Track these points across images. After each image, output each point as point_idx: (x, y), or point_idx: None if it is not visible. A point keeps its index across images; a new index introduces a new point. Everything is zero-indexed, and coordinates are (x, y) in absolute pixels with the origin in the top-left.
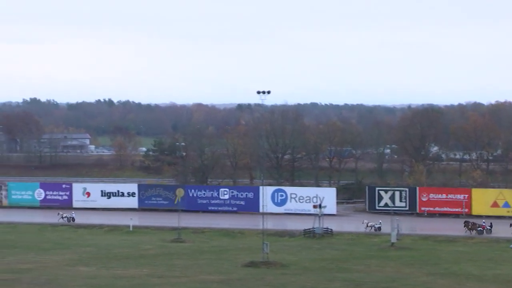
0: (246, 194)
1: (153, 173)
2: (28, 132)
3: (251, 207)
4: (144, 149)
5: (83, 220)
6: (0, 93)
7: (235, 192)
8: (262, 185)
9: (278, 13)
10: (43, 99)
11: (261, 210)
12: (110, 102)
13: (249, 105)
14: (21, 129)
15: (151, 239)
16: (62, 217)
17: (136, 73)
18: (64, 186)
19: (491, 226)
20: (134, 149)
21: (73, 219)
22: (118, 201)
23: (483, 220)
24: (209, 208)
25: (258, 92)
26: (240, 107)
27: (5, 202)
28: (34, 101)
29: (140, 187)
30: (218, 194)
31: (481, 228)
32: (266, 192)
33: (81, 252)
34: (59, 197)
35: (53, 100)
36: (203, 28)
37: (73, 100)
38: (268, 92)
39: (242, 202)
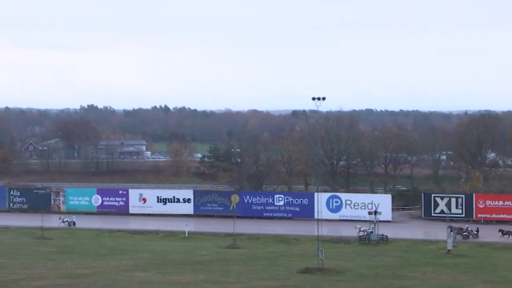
0: (301, 201)
1: (208, 179)
2: (86, 138)
3: (306, 213)
4: (199, 155)
5: (139, 226)
6: (58, 100)
7: (290, 199)
8: (317, 191)
9: (333, 20)
10: (100, 106)
11: (316, 217)
12: (166, 109)
13: (304, 111)
14: (79, 135)
15: (207, 245)
16: (63, 221)
17: (192, 80)
18: (120, 192)
19: (477, 231)
20: (190, 156)
21: (74, 223)
22: (174, 207)
23: (466, 225)
24: (264, 214)
25: (313, 99)
26: (295, 113)
27: (62, 208)
28: (92, 107)
29: (195, 193)
30: (273, 200)
31: (467, 233)
32: (321, 199)
33: (137, 258)
34: (116, 203)
35: (110, 106)
36: (259, 34)
37: (130, 106)
38: (323, 99)
39: (297, 209)
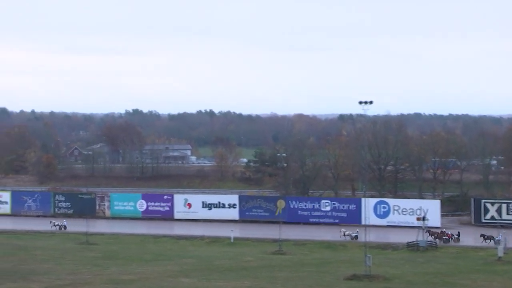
0: (348, 206)
1: (254, 184)
2: (130, 143)
3: (353, 219)
4: (245, 160)
5: (184, 231)
6: (103, 105)
7: (336, 204)
8: (364, 196)
9: (381, 22)
10: (145, 110)
11: (363, 222)
12: (211, 113)
13: (351, 115)
14: (124, 140)
15: (252, 251)
16: (54, 225)
17: (238, 84)
18: (165, 197)
19: (458, 235)
20: (235, 160)
21: (65, 227)
22: (219, 213)
23: (443, 229)
24: (310, 220)
25: (360, 102)
26: (341, 117)
27: (107, 213)
28: (136, 112)
29: (241, 198)
30: (320, 206)
31: (447, 237)
32: (368, 204)
33: (183, 264)
34: (161, 208)
35: (155, 111)
36: (304, 38)
37: (175, 110)
38: (371, 102)
39: (344, 214)
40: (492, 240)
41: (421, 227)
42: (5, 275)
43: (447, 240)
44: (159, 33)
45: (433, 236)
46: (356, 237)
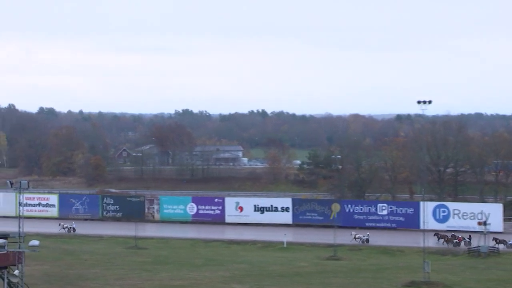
0: (406, 210)
1: (307, 187)
2: (180, 144)
3: (411, 223)
4: (298, 161)
5: (236, 236)
6: (152, 105)
7: (394, 208)
8: (423, 200)
9: (439, 21)
10: (195, 111)
11: (421, 227)
12: (263, 113)
13: (408, 115)
14: (173, 141)
15: (306, 256)
16: (63, 227)
17: (291, 83)
18: (216, 200)
19: (470, 238)
20: (288, 162)
21: (74, 230)
22: (272, 216)
23: (452, 233)
24: (366, 224)
25: (419, 102)
26: (399, 117)
27: (157, 216)
28: (187, 112)
29: (294, 201)
30: (376, 210)
31: (458, 240)
32: (427, 208)
33: (234, 269)
34: (211, 212)
35: (206, 111)
36: (359, 36)
37: (226, 111)
38: (429, 102)
39: (402, 218)
40: (504, 244)
41: (482, 232)
42: (53, 280)
43: (458, 244)
44: (211, 32)
45: (443, 240)
46: (367, 240)
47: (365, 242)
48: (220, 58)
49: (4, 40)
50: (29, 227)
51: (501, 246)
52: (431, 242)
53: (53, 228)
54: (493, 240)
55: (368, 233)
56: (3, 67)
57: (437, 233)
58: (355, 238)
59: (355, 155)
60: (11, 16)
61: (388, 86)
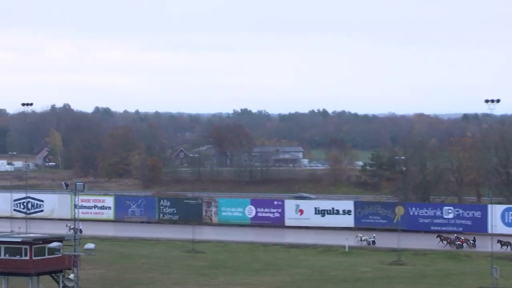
0: (473, 213)
1: (370, 189)
2: (239, 145)
3: (478, 227)
4: (360, 163)
5: (296, 239)
6: (210, 104)
7: (460, 211)
8: (491, 203)
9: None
10: (254, 110)
11: (489, 231)
12: (324, 113)
13: (476, 115)
14: (232, 142)
15: (368, 261)
16: (70, 229)
17: (352, 82)
18: (276, 202)
19: (474, 240)
20: (350, 163)
21: (81, 231)
22: (333, 220)
23: (455, 234)
24: (431, 228)
25: (486, 101)
26: (466, 117)
27: (215, 219)
28: (245, 112)
29: (356, 204)
30: (442, 213)
31: (460, 242)
32: (495, 211)
33: (294, 274)
34: (271, 215)
35: (265, 110)
36: (424, 32)
37: (286, 110)
38: (498, 101)
39: (468, 222)
40: (508, 247)
41: None
42: (108, 284)
43: (460, 246)
44: (271, 29)
45: (446, 241)
46: (373, 242)
47: (371, 244)
48: (280, 56)
49: (60, 38)
50: (84, 230)
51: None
52: (434, 244)
53: (110, 231)
54: (498, 242)
55: (374, 234)
56: (58, 66)
57: (439, 235)
58: (361, 240)
59: (420, 156)
60: (67, 13)
61: (454, 84)
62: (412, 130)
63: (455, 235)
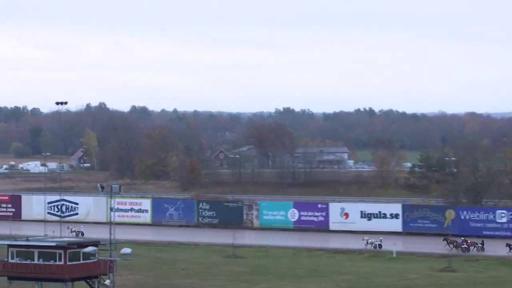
0: None
1: (419, 192)
2: (281, 145)
3: None
4: (409, 164)
5: (341, 244)
6: (251, 103)
7: None
8: None
9: None
10: (297, 109)
11: None
12: (370, 112)
13: None
14: (274, 142)
15: (417, 267)
16: (71, 231)
17: (400, 79)
18: (319, 206)
19: (482, 244)
20: (398, 165)
21: (82, 234)
22: (380, 224)
23: (462, 238)
24: (484, 232)
25: None
26: None
27: (256, 223)
28: (288, 111)
29: (404, 207)
30: (494, 217)
31: (466, 246)
32: None
33: (339, 281)
34: (315, 218)
35: (308, 109)
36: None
37: (330, 109)
38: None
39: None
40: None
41: None
42: None
43: (467, 249)
44: (314, 24)
45: (452, 245)
46: (380, 245)
47: (378, 248)
48: (325, 52)
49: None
50: (121, 234)
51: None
52: (440, 247)
53: (147, 235)
54: (506, 246)
55: (381, 238)
56: (94, 63)
57: (446, 238)
58: (367, 243)
59: (472, 157)
60: (102, 9)
61: (508, 82)
62: (463, 129)
63: (462, 238)
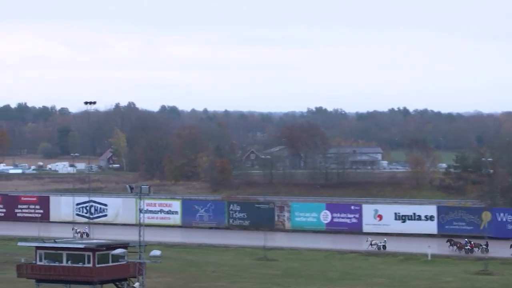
0: None
1: (454, 193)
2: (313, 146)
3: None
4: (444, 165)
5: (374, 246)
6: (282, 102)
7: None
8: None
9: None
10: (329, 109)
11: None
12: (405, 111)
13: None
14: (306, 142)
15: (453, 271)
16: (76, 232)
17: (435, 78)
18: (353, 207)
19: (487, 245)
20: (433, 165)
21: (87, 235)
22: (414, 226)
23: (466, 239)
24: None
25: None
26: None
27: (287, 225)
28: (320, 110)
29: (439, 209)
30: None
31: (470, 247)
32: None
33: (372, 284)
34: (347, 220)
35: (341, 109)
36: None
37: (363, 109)
38: None
39: None
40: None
41: None
42: None
43: (470, 250)
44: (346, 22)
45: (455, 246)
46: (384, 247)
47: (382, 249)
48: (357, 50)
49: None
50: (150, 236)
51: None
52: (444, 248)
53: (177, 237)
54: (511, 247)
55: (385, 239)
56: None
57: (450, 239)
58: (371, 244)
59: (509, 157)
60: (131, 7)
61: None
62: (500, 129)
63: (466, 239)
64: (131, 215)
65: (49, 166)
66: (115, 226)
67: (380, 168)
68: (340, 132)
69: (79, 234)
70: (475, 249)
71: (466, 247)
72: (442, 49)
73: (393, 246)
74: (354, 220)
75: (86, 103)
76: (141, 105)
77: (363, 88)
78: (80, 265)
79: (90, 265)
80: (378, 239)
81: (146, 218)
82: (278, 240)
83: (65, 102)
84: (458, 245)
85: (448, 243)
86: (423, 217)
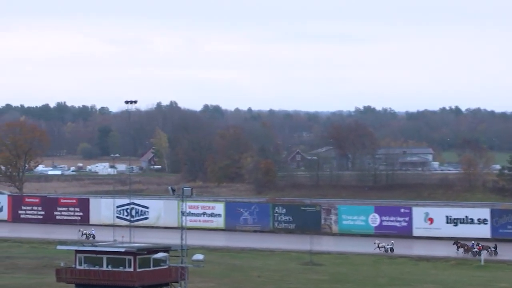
0: None
1: (509, 195)
2: (361, 146)
3: None
4: (498, 166)
5: (425, 251)
6: (330, 102)
7: None
8: None
9: None
10: (378, 108)
11: None
12: (457, 110)
13: None
14: (353, 143)
15: (507, 276)
16: (82, 234)
17: (489, 76)
18: (402, 210)
19: (495, 247)
20: (486, 167)
21: (94, 236)
22: (467, 229)
23: (472, 241)
24: None
25: None
26: None
27: (335, 228)
28: (368, 109)
29: (493, 212)
30: None
31: (477, 249)
32: None
33: None
34: (397, 224)
35: (390, 108)
36: None
37: (414, 108)
38: None
39: None
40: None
41: None
42: None
43: (478, 253)
44: (396, 18)
45: (462, 248)
46: (391, 249)
47: (390, 252)
48: (407, 48)
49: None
50: (192, 239)
51: None
52: (450, 251)
53: (220, 240)
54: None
55: (392, 241)
56: (165, 60)
57: (456, 242)
58: (378, 247)
59: None
60: (173, 3)
61: None
62: None
63: (473, 242)
64: (173, 218)
65: (88, 167)
66: (156, 229)
67: (431, 169)
68: (389, 132)
69: (85, 236)
70: (483, 252)
71: (473, 250)
72: (496, 46)
73: (444, 250)
74: (404, 224)
75: (126, 102)
76: (183, 104)
77: (413, 87)
78: (120, 269)
79: (131, 269)
80: (385, 241)
81: (189, 221)
82: (325, 244)
83: (105, 101)
84: (465, 248)
85: (455, 245)
86: (475, 221)
